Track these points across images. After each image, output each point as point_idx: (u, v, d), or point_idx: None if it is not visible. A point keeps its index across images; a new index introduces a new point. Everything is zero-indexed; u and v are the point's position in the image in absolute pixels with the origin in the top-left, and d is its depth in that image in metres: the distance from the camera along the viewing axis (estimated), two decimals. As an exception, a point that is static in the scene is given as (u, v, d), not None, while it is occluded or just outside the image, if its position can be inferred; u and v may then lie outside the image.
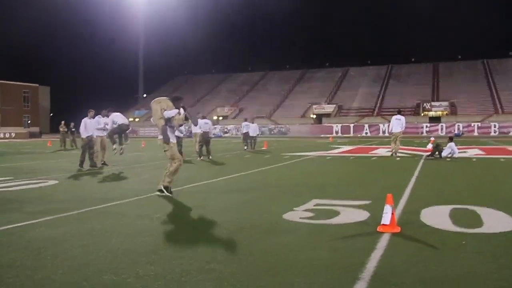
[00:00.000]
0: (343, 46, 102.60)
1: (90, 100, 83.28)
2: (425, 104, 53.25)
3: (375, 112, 53.97)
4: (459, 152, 14.02)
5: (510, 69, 59.82)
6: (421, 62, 69.47)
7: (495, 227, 4.56)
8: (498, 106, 50.76)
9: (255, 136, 20.82)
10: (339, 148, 21.40)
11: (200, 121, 14.98)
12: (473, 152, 16.61)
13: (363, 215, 5.18)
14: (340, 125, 48.86)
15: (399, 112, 15.22)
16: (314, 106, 57.82)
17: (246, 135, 20.50)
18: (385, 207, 4.45)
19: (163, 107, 6.84)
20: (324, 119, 53.49)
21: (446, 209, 5.53)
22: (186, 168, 10.80)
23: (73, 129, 23.61)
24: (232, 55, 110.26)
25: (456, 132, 43.32)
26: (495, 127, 43.83)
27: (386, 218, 4.39)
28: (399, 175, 9.75)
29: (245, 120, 21.41)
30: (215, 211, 5.66)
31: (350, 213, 5.30)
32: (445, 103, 52.67)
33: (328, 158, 15.02)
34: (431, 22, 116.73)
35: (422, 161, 12.82)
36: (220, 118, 62.41)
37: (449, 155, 13.25)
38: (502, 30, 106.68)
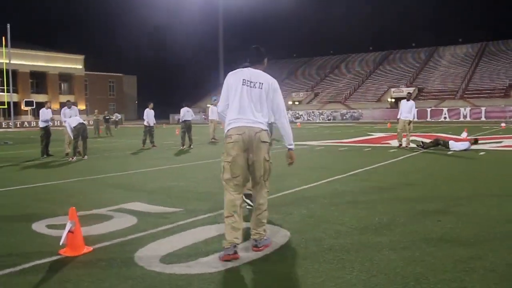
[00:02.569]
0: (432, 24, 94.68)
1: (174, 88, 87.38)
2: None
3: (458, 95, 49.19)
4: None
5: None
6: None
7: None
8: None
9: None
10: (367, 136, 19.71)
11: (182, 109, 15.86)
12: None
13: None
14: (416, 109, 45.20)
15: (409, 97, 13.46)
16: (392, 90, 54.36)
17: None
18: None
19: None
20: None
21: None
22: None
23: (108, 117, 25.24)
24: (314, 39, 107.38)
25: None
26: None
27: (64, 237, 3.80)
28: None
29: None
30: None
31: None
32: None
33: (317, 149, 13.85)
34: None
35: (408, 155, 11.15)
36: (296, 103, 61.52)
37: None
38: None
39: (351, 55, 74.59)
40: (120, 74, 72.52)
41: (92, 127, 26.36)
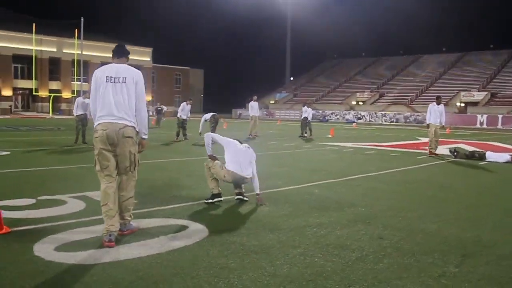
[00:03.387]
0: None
1: (239, 82, 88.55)
2: None
3: (537, 102, 45.20)
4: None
5: None
6: None
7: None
8: None
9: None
10: (414, 140, 18.63)
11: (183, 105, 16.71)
12: None
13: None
14: (486, 115, 42.22)
15: (439, 101, 12.45)
16: (462, 93, 51.08)
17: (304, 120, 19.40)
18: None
19: None
20: (469, 108, 46.96)
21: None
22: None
23: (160, 109, 26.14)
24: (384, 38, 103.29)
25: None
26: None
27: None
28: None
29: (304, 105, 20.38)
30: None
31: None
32: None
33: (344, 150, 13.28)
34: None
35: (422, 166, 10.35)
36: (360, 103, 59.91)
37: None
38: None
39: (423, 56, 71.16)
40: (186, 67, 74.68)
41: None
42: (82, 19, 43.88)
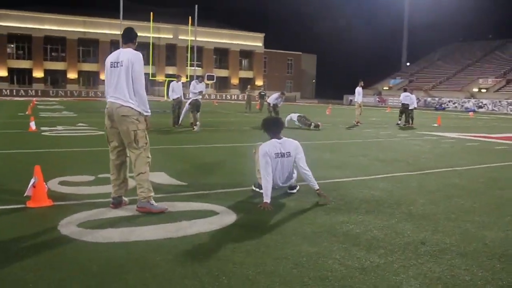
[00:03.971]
0: None
1: (352, 68, 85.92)
2: None
3: None
4: None
5: None
6: None
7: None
8: None
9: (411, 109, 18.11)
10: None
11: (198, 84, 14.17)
12: None
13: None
14: None
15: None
16: None
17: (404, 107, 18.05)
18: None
19: None
20: None
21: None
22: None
23: (263, 94, 26.19)
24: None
25: None
26: None
27: (29, 190, 4.28)
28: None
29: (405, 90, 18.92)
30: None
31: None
32: None
33: (442, 141, 11.96)
34: None
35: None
36: (483, 90, 54.46)
37: None
38: None
39: None
40: (298, 53, 74.46)
41: (245, 102, 28.04)
42: (196, 6, 46.00)
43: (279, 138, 4.97)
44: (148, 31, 51.61)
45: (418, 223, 4.20)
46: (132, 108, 4.26)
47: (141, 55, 4.36)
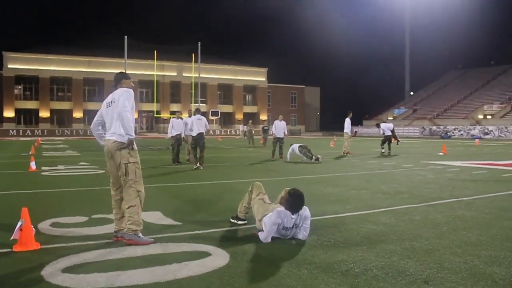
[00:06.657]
0: None
1: (356, 100, 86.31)
2: None
3: None
4: None
5: None
6: None
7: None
8: None
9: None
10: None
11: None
12: None
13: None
14: None
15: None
16: None
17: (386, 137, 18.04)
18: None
19: None
20: None
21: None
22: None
23: (266, 128, 26.11)
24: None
25: None
26: None
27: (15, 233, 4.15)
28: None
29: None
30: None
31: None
32: None
33: (448, 170, 11.70)
34: None
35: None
36: (488, 117, 54.35)
37: None
38: None
39: None
40: (302, 86, 75.11)
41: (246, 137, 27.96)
42: (199, 43, 46.81)
43: (293, 213, 4.60)
44: (153, 69, 52.43)
45: (422, 260, 3.98)
46: (121, 143, 4.50)
47: (131, 90, 4.64)
